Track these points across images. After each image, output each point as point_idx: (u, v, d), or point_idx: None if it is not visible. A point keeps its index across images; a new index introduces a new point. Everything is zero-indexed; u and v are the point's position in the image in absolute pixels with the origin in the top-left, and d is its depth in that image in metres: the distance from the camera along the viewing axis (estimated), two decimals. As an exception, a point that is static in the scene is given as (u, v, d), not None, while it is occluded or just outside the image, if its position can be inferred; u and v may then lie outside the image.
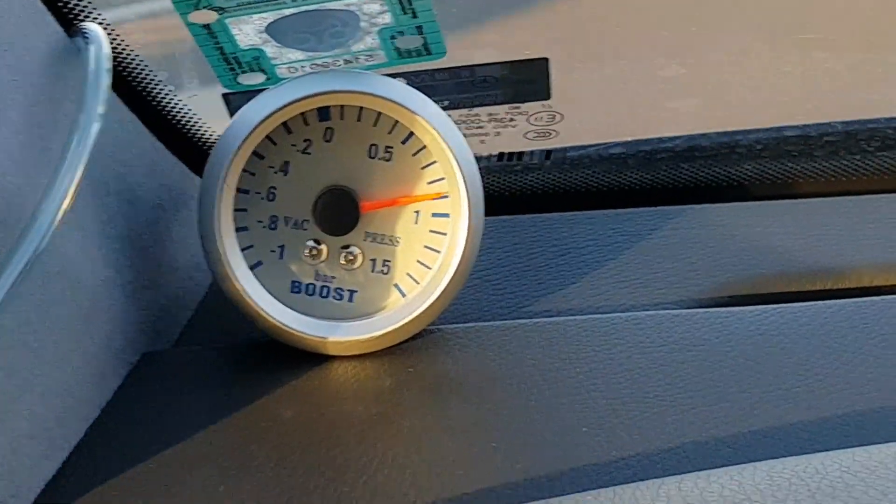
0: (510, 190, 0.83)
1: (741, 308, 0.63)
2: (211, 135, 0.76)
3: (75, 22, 0.60)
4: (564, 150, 0.81)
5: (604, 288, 0.69)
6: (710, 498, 0.42)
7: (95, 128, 0.52)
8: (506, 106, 0.72)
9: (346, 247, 0.62)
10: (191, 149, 0.75)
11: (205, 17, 0.57)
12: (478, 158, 0.61)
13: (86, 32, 0.57)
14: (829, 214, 0.76)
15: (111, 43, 0.59)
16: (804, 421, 0.53)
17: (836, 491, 0.41)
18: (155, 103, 0.70)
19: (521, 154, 0.80)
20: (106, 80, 0.54)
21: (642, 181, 0.83)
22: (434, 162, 0.61)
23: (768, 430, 0.52)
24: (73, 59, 0.58)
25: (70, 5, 0.61)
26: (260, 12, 0.57)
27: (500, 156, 0.80)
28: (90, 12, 0.62)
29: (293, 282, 0.62)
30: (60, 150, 0.51)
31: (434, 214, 0.61)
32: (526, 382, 0.57)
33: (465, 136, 0.60)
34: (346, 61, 0.61)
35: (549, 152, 0.81)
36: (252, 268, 0.61)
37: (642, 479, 0.46)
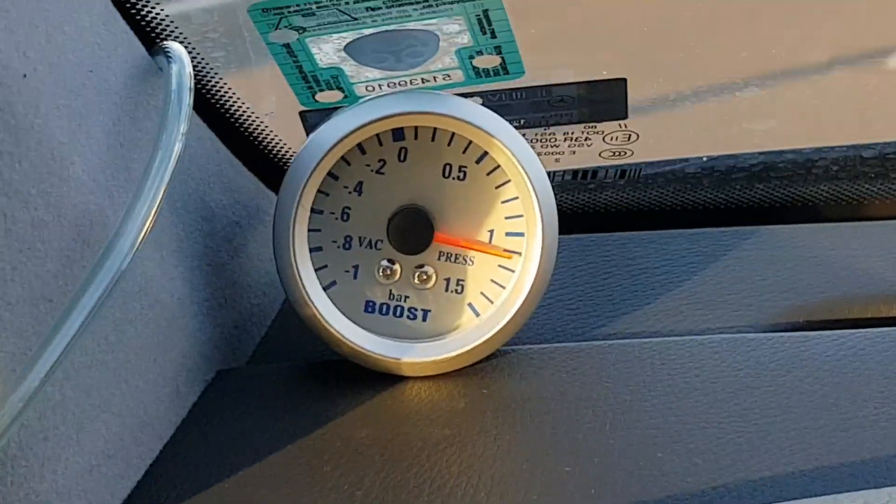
0: (584, 208, 0.83)
1: (820, 332, 0.62)
2: (286, 151, 0.76)
3: (157, 41, 0.61)
4: (639, 168, 0.81)
5: (678, 309, 0.68)
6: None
7: (178, 148, 0.52)
8: (581, 125, 0.72)
9: (420, 266, 0.62)
10: (267, 165, 0.75)
11: (285, 36, 0.57)
12: (551, 176, 0.61)
13: (168, 51, 0.57)
14: (907, 237, 0.76)
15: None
16: (886, 451, 0.52)
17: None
18: (233, 120, 0.71)
19: (595, 172, 0.80)
20: (188, 99, 0.54)
21: (717, 200, 0.83)
22: (508, 181, 0.60)
23: (848, 460, 0.51)
24: (154, 77, 0.58)
25: (152, 24, 0.61)
26: (340, 32, 0.57)
27: (575, 174, 0.80)
28: (172, 31, 0.62)
29: (367, 301, 0.62)
30: (142, 169, 0.51)
31: (508, 234, 0.61)
32: (601, 406, 0.57)
33: (539, 154, 0.60)
34: (424, 80, 0.61)
35: (623, 171, 0.80)
36: (326, 288, 0.61)
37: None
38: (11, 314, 0.44)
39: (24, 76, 0.45)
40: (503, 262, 0.62)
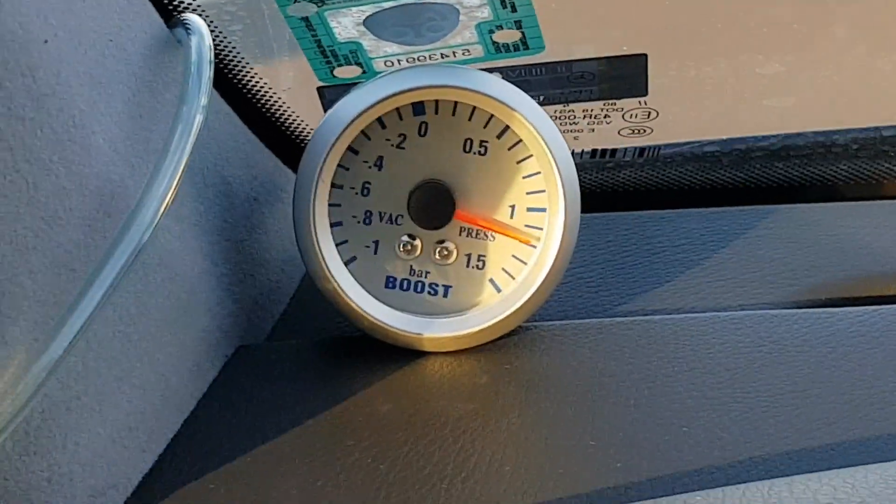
0: (602, 186, 0.83)
1: (841, 309, 0.62)
2: (304, 128, 0.76)
3: (175, 13, 0.60)
4: (658, 147, 0.80)
5: (698, 287, 0.68)
6: (824, 500, 0.41)
7: (199, 120, 0.51)
8: (601, 102, 0.71)
9: (441, 241, 0.61)
10: (285, 142, 0.75)
11: (304, 9, 0.57)
12: (571, 154, 0.60)
13: (187, 23, 0.57)
14: (927, 215, 0.75)
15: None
16: None
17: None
18: (251, 96, 0.70)
19: (614, 151, 0.80)
20: (208, 71, 0.54)
21: (736, 180, 0.82)
22: (530, 156, 0.60)
23: (871, 434, 0.51)
24: (173, 50, 0.58)
25: (171, -4, 0.61)
26: (359, 5, 0.57)
27: (594, 152, 0.80)
28: (190, 3, 0.61)
29: (388, 277, 0.62)
30: (162, 142, 0.51)
31: (530, 209, 0.61)
32: (624, 381, 0.56)
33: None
34: (443, 55, 0.61)
35: (642, 149, 0.80)
36: (346, 263, 0.61)
37: (743, 482, 0.45)
38: (34, 282, 0.43)
39: (46, 42, 0.45)
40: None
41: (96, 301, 0.44)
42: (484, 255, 0.61)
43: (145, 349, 0.52)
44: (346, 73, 0.62)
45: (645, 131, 0.75)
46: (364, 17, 0.58)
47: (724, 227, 0.74)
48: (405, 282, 0.62)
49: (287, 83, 0.72)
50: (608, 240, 0.74)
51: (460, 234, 0.61)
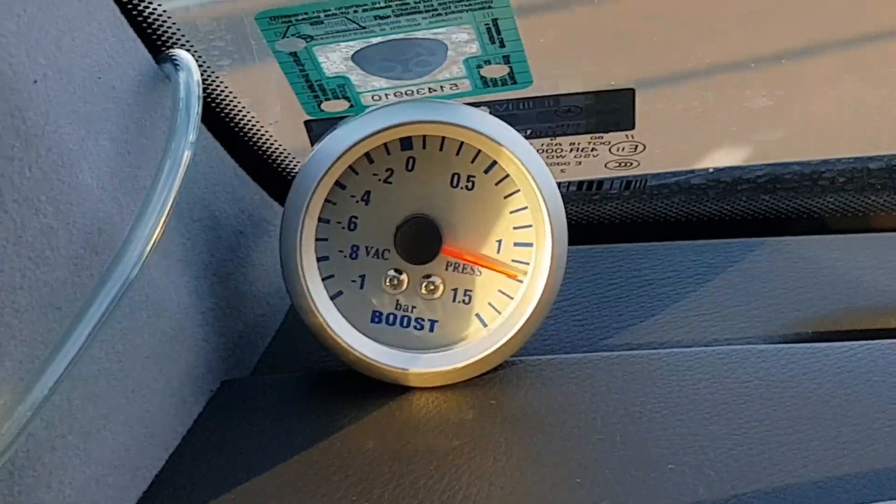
0: (589, 219, 0.83)
1: (828, 344, 0.62)
2: (291, 161, 0.76)
3: (163, 48, 0.60)
4: (644, 179, 0.80)
5: (685, 321, 0.68)
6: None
7: (187, 156, 0.51)
8: (588, 135, 0.71)
9: (428, 276, 0.61)
10: (272, 175, 0.75)
11: (292, 44, 0.57)
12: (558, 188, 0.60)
13: (175, 59, 0.57)
14: (914, 249, 0.75)
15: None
16: None
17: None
18: (238, 129, 0.70)
19: (600, 183, 0.80)
20: (196, 107, 0.54)
21: (722, 212, 0.82)
22: (517, 191, 0.60)
23: (859, 472, 0.51)
24: (161, 85, 0.58)
25: (159, 32, 0.61)
26: (348, 40, 0.57)
27: (580, 185, 0.80)
28: (178, 39, 0.61)
29: (374, 311, 0.61)
30: (150, 178, 0.51)
31: (517, 244, 0.61)
32: (610, 417, 0.56)
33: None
34: (431, 89, 0.61)
35: (628, 182, 0.80)
36: (332, 298, 0.61)
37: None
38: (20, 322, 0.43)
39: (35, 82, 0.45)
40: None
41: (83, 340, 0.44)
42: (470, 290, 0.61)
43: (130, 386, 0.52)
44: (333, 106, 0.62)
45: (632, 164, 0.75)
46: (352, 52, 0.58)
47: (711, 260, 0.74)
48: (391, 316, 0.62)
49: (274, 117, 0.72)
50: (594, 273, 0.74)
51: (447, 269, 0.61)
